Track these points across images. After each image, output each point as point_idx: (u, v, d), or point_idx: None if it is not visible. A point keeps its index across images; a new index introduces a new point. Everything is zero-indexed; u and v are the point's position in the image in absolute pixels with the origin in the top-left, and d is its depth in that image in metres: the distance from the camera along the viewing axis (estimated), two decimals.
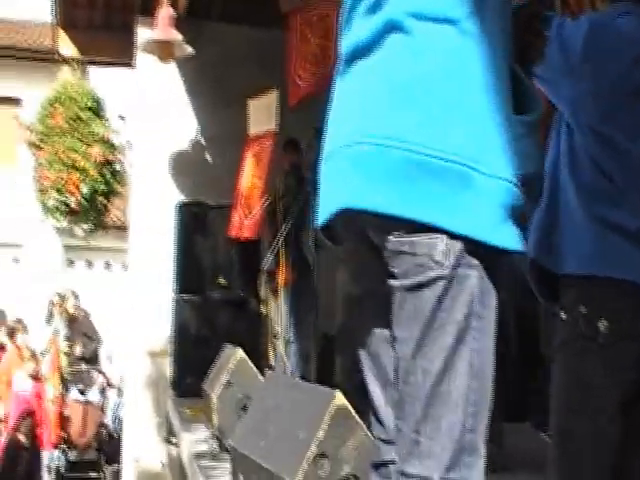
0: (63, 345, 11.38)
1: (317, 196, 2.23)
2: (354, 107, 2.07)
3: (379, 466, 2.17)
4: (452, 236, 1.92)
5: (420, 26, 1.97)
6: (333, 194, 2.11)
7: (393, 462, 2.06)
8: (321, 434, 3.22)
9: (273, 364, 7.00)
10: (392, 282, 2.00)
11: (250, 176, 6.69)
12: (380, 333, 2.14)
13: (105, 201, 9.34)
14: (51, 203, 8.91)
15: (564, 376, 2.53)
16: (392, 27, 2.00)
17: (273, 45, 7.57)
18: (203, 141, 9.03)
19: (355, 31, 2.12)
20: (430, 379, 1.93)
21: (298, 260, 6.58)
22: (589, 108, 2.50)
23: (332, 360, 7.26)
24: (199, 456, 5.36)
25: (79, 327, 11.84)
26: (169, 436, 8.00)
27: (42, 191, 8.97)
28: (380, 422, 2.18)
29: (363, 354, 2.22)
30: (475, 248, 1.93)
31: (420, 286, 1.94)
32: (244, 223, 6.53)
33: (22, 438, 9.16)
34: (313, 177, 5.87)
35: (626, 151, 2.48)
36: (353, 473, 3.28)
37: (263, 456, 3.51)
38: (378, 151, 1.96)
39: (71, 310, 11.99)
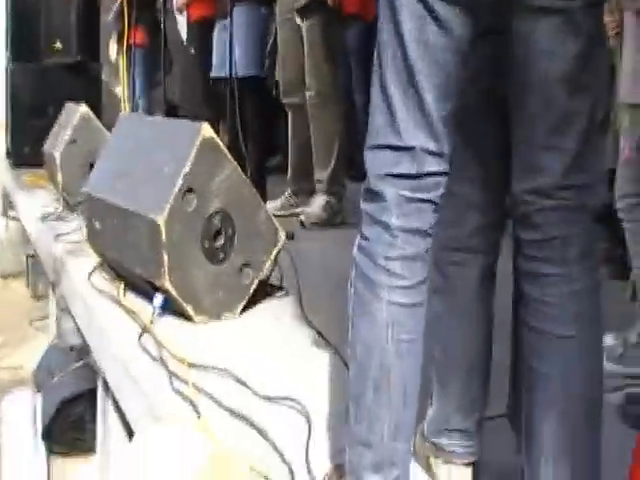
0: None
1: None
2: None
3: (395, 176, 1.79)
4: None
5: None
6: None
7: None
8: (188, 168, 2.94)
9: None
10: None
11: None
12: None
13: None
14: None
15: None
16: None
17: None
18: None
19: None
20: None
21: (149, 21, 6.16)
22: None
23: None
24: (43, 218, 5.00)
25: None
26: (7, 209, 7.62)
27: None
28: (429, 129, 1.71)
29: None
30: None
31: None
32: None
33: None
34: None
35: None
36: (222, 208, 3.04)
37: (124, 198, 3.22)
38: None
39: None
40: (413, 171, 1.66)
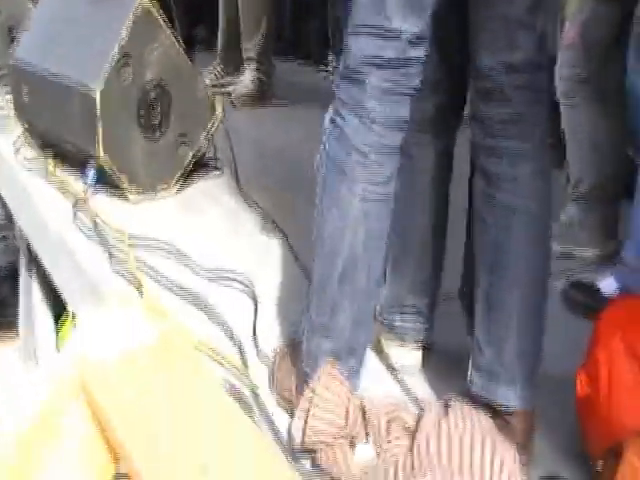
0: None
1: None
2: None
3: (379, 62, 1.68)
4: None
5: None
6: None
7: None
8: (124, 37, 2.80)
9: None
10: None
11: None
12: None
13: None
14: None
15: None
16: None
17: None
18: None
19: None
20: None
21: None
22: None
23: None
24: None
25: None
26: None
27: None
28: None
29: None
30: None
31: None
32: None
33: None
34: None
35: None
36: (159, 78, 2.92)
37: (56, 69, 3.05)
38: None
39: None
40: (399, 55, 1.57)
